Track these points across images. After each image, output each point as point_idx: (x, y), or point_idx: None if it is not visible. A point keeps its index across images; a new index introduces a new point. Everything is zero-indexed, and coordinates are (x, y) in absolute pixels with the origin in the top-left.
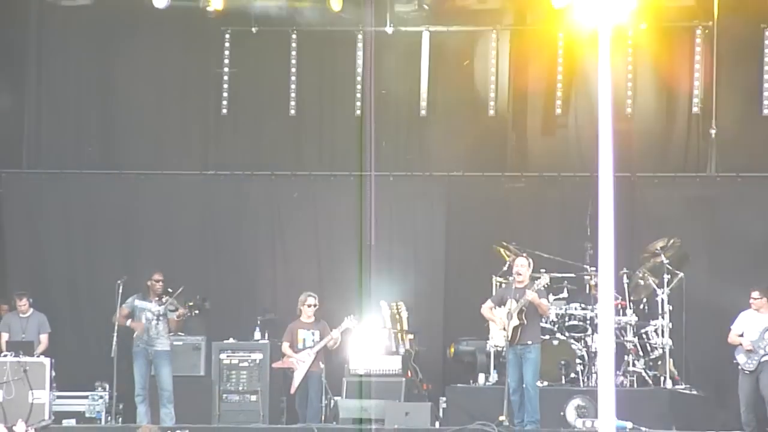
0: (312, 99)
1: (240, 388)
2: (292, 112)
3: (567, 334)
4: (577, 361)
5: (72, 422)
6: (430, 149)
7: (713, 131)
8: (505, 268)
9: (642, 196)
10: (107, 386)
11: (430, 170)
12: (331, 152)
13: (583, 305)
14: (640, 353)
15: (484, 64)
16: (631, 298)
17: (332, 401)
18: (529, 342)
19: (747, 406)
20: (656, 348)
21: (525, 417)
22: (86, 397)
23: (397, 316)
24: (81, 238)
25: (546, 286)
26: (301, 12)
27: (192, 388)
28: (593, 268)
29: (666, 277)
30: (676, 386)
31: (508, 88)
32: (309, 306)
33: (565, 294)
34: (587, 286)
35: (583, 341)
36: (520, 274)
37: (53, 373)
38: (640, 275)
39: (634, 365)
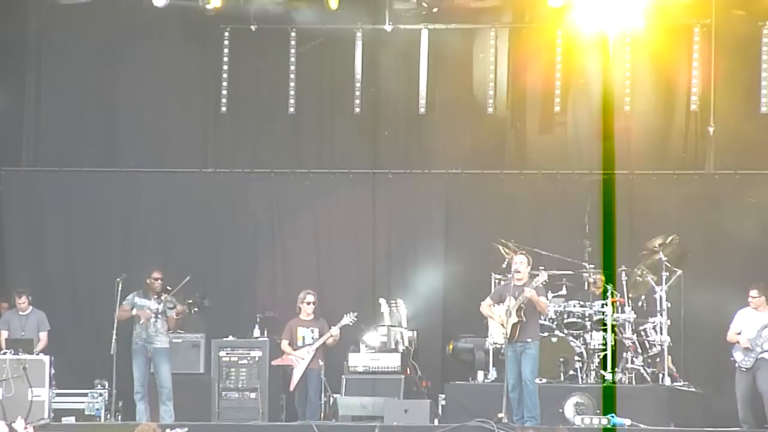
0: (311, 97)
1: (239, 386)
2: (292, 110)
3: (566, 331)
4: (576, 358)
5: (71, 420)
6: (429, 147)
7: (711, 129)
8: (504, 266)
9: (640, 194)
10: (106, 384)
11: (429, 168)
12: (330, 150)
13: (581, 302)
14: (639, 350)
15: (483, 62)
16: (630, 295)
17: (331, 398)
18: (528, 339)
19: (744, 402)
20: (655, 345)
21: (525, 413)
22: (86, 394)
23: (396, 314)
24: (80, 235)
25: (545, 283)
26: (300, 10)
27: (191, 385)
28: (592, 266)
29: (664, 274)
30: (675, 383)
31: (507, 86)
32: (308, 303)
33: (563, 291)
34: (586, 283)
35: (581, 338)
36: (518, 272)
37: (53, 371)
38: (639, 272)
39: (632, 362)
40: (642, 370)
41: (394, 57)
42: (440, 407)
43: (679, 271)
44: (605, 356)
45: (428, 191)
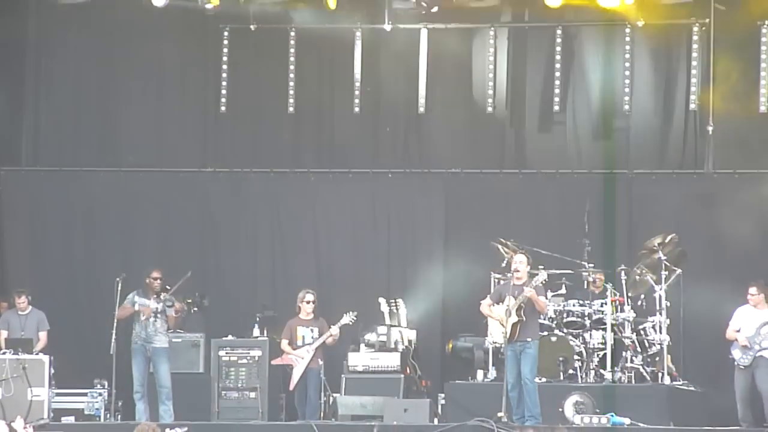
0: (311, 96)
1: (239, 385)
2: (291, 109)
3: (565, 330)
4: (575, 357)
5: (71, 419)
6: (428, 146)
7: (710, 128)
8: (503, 265)
9: (640, 193)
10: (106, 383)
11: (429, 167)
12: (330, 150)
13: (581, 302)
14: (638, 349)
15: (482, 62)
16: (629, 294)
17: (331, 398)
18: (528, 339)
19: (743, 401)
20: (654, 344)
21: (524, 412)
22: (85, 394)
23: (396, 313)
24: (80, 235)
25: (544, 282)
26: (299, 10)
27: (191, 385)
28: (591, 265)
29: (664, 273)
30: (674, 382)
31: (506, 86)
32: (307, 303)
33: (563, 290)
34: (585, 282)
35: (581, 337)
36: (518, 271)
37: (52, 371)
38: (638, 272)
39: (632, 361)
40: (641, 369)
41: (394, 57)
42: (440, 406)
43: (679, 270)
44: (605, 355)
45: (428, 191)
